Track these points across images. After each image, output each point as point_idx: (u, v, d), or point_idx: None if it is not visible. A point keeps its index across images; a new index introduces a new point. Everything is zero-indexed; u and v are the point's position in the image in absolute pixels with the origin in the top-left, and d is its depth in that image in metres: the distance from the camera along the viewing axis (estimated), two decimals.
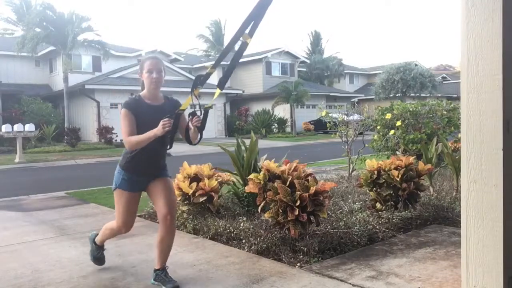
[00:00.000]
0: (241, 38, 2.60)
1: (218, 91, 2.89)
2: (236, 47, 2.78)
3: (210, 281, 3.22)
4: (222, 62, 3.07)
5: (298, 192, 3.69)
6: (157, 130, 2.85)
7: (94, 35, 21.60)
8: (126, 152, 3.16)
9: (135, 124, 3.02)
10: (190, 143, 3.09)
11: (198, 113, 2.96)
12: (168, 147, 3.16)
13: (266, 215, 3.87)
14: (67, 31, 20.03)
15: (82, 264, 3.68)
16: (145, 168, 3.15)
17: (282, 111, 28.51)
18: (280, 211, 3.75)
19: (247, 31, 2.56)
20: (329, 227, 4.07)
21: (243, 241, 3.99)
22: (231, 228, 4.24)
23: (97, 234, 3.55)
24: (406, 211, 4.68)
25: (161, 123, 2.84)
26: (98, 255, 3.55)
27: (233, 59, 2.82)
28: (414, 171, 4.73)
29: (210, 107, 3.00)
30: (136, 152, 3.08)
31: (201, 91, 2.97)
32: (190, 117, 2.96)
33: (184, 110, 2.99)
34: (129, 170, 3.14)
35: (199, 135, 3.05)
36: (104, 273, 3.45)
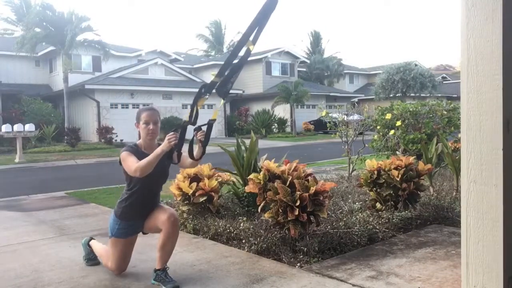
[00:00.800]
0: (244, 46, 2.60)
1: (222, 101, 2.88)
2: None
3: (210, 281, 3.22)
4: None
5: (298, 192, 3.70)
6: (164, 146, 2.88)
7: (94, 35, 21.62)
8: (121, 200, 3.25)
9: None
10: (193, 158, 3.08)
11: (203, 127, 2.94)
12: (176, 162, 3.15)
13: (266, 215, 3.87)
14: (66, 31, 20.03)
15: (82, 264, 3.68)
16: (141, 212, 3.25)
17: (282, 111, 28.50)
18: (280, 211, 3.75)
19: (250, 38, 2.56)
20: (329, 227, 4.07)
21: (243, 241, 3.99)
22: (231, 228, 4.24)
23: (91, 239, 3.70)
24: (406, 211, 4.68)
25: (166, 137, 2.86)
26: (91, 256, 3.65)
27: (235, 66, 2.80)
28: (414, 171, 4.73)
29: (214, 120, 2.94)
30: (132, 198, 3.17)
31: (204, 103, 2.92)
32: (195, 131, 2.96)
33: (188, 122, 2.90)
34: (126, 219, 3.22)
35: (202, 150, 3.04)
36: (104, 273, 3.45)
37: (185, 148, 3.04)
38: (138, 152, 3.13)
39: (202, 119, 2.87)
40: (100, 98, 22.64)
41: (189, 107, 2.91)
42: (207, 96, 2.82)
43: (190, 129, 2.98)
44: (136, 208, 3.21)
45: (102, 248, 3.53)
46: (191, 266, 3.57)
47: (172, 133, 2.87)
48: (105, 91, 22.81)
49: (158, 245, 3.16)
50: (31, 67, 26.63)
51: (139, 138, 3.28)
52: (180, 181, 4.90)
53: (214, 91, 2.77)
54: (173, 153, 3.07)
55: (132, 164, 2.99)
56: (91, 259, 3.65)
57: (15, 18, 27.82)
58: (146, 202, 3.24)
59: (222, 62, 2.90)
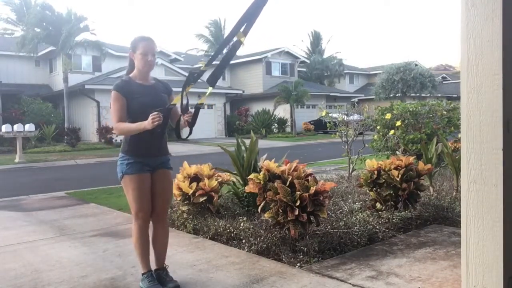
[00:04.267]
0: (235, 37, 2.60)
1: (210, 89, 2.88)
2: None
3: (210, 281, 3.22)
4: (215, 62, 3.09)
5: (298, 192, 3.69)
6: (147, 124, 2.78)
7: (92, 34, 21.61)
8: (125, 139, 3.11)
9: (126, 108, 2.98)
10: (179, 136, 3.03)
11: (191, 109, 2.95)
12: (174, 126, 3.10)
13: (266, 215, 3.87)
14: (63, 30, 20.02)
15: (82, 264, 3.68)
16: (147, 149, 3.05)
17: (282, 111, 28.50)
18: (280, 211, 3.75)
19: (241, 29, 2.56)
20: (329, 227, 4.07)
21: (243, 241, 3.99)
22: (231, 228, 4.24)
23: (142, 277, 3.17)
24: (406, 211, 4.68)
25: (150, 117, 2.76)
26: (152, 284, 3.07)
27: (225, 56, 2.81)
28: (414, 171, 4.73)
29: (202, 104, 2.98)
30: (137, 134, 2.99)
31: (197, 91, 2.97)
32: (182, 113, 2.94)
33: (174, 105, 2.97)
34: (133, 153, 3.04)
35: (188, 129, 2.98)
36: (104, 273, 3.45)
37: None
38: (132, 85, 3.02)
39: (201, 119, 2.90)
40: (100, 98, 22.63)
41: (180, 94, 2.91)
42: (193, 84, 2.84)
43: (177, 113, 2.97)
44: (142, 142, 3.02)
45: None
46: (191, 266, 3.57)
47: (156, 113, 2.78)
48: (105, 91, 22.74)
49: (150, 240, 3.14)
50: (31, 67, 26.62)
51: (130, 70, 3.12)
52: (180, 181, 4.90)
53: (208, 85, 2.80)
54: (171, 113, 2.98)
55: (115, 114, 2.95)
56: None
57: (15, 18, 27.79)
58: (151, 140, 3.03)
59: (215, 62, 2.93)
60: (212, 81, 2.83)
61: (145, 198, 3.05)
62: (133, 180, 3.01)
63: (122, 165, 3.05)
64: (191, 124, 2.95)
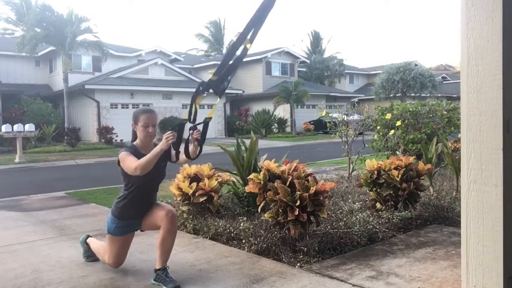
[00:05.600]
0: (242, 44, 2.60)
1: (218, 100, 2.89)
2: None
3: (210, 281, 3.22)
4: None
5: (298, 192, 3.69)
6: (162, 144, 2.88)
7: (93, 36, 21.59)
8: (118, 200, 3.25)
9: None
10: (189, 157, 3.08)
11: (199, 126, 2.95)
12: (174, 160, 3.19)
13: (266, 215, 3.87)
14: (66, 32, 20.03)
15: (82, 264, 3.68)
16: (138, 211, 3.25)
17: (282, 111, 28.50)
18: (280, 211, 3.75)
19: (248, 36, 2.56)
20: (329, 227, 4.07)
21: (243, 241, 3.99)
22: (231, 228, 4.24)
23: (88, 237, 3.78)
24: (406, 211, 4.68)
25: (164, 136, 2.87)
26: (90, 253, 3.71)
27: (232, 65, 2.81)
28: (414, 171, 4.73)
29: (210, 118, 2.99)
30: (129, 197, 3.17)
31: (203, 103, 2.95)
32: (191, 131, 2.97)
33: (187, 120, 2.95)
34: (123, 218, 3.23)
35: (198, 149, 3.06)
36: (104, 273, 3.45)
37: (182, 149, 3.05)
38: (137, 152, 3.13)
39: (201, 119, 2.90)
40: (100, 98, 22.64)
41: (189, 107, 2.92)
42: (205, 94, 2.87)
43: (188, 130, 2.98)
44: (133, 206, 3.21)
45: (100, 244, 3.58)
46: (191, 266, 3.57)
47: (170, 131, 2.87)
48: (105, 91, 22.82)
49: (157, 242, 3.17)
50: (31, 67, 26.62)
51: (134, 139, 3.26)
52: (180, 181, 4.90)
53: (211, 90, 2.79)
54: (170, 152, 3.09)
55: (131, 163, 2.99)
56: (90, 255, 3.72)
57: (15, 18, 27.79)
58: (143, 201, 3.24)
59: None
60: (220, 92, 2.82)
61: (123, 255, 3.39)
62: (117, 241, 3.30)
63: (110, 225, 3.29)
64: (201, 141, 2.99)
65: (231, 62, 2.75)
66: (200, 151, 3.07)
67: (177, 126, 2.94)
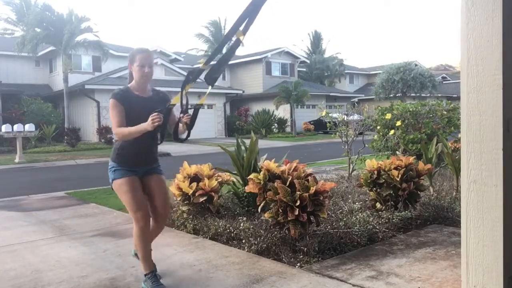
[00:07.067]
0: (234, 35, 2.61)
1: (209, 88, 2.88)
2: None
3: (210, 281, 3.22)
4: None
5: (298, 192, 3.69)
6: (147, 125, 2.81)
7: (93, 36, 21.60)
8: (115, 147, 3.15)
9: (124, 114, 2.99)
10: (177, 138, 3.06)
11: (190, 111, 2.95)
12: (159, 141, 3.12)
13: (266, 215, 3.87)
14: (66, 31, 20.02)
15: (82, 264, 3.68)
16: (136, 161, 3.11)
17: (282, 111, 28.50)
18: (280, 211, 3.75)
19: (240, 28, 2.56)
20: (329, 227, 4.07)
21: (243, 241, 3.99)
22: (231, 228, 4.24)
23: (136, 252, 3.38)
24: (406, 211, 4.68)
25: (150, 117, 2.78)
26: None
27: (224, 55, 2.81)
28: (414, 171, 4.73)
29: (201, 104, 2.99)
30: (125, 145, 3.06)
31: (196, 91, 2.98)
32: (181, 114, 2.95)
33: (174, 105, 2.97)
34: (121, 162, 3.10)
35: (187, 132, 2.99)
36: (104, 273, 3.45)
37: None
38: (129, 95, 3.05)
39: (201, 119, 2.89)
40: (100, 98, 22.62)
41: (180, 94, 2.92)
42: (193, 83, 2.86)
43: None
44: (131, 152, 3.08)
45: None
46: (191, 266, 3.57)
47: (156, 113, 2.79)
48: (105, 91, 22.78)
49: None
50: (31, 67, 26.62)
51: (130, 81, 3.15)
52: (180, 181, 4.90)
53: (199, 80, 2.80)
54: (158, 131, 3.00)
55: (114, 119, 2.95)
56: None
57: (15, 18, 27.82)
58: (140, 153, 3.11)
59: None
60: (211, 81, 2.83)
61: (139, 197, 3.07)
62: (123, 184, 3.06)
63: (111, 172, 3.14)
64: (190, 126, 2.95)
65: (223, 52, 2.75)
66: (188, 135, 3.01)
67: (165, 109, 2.90)
